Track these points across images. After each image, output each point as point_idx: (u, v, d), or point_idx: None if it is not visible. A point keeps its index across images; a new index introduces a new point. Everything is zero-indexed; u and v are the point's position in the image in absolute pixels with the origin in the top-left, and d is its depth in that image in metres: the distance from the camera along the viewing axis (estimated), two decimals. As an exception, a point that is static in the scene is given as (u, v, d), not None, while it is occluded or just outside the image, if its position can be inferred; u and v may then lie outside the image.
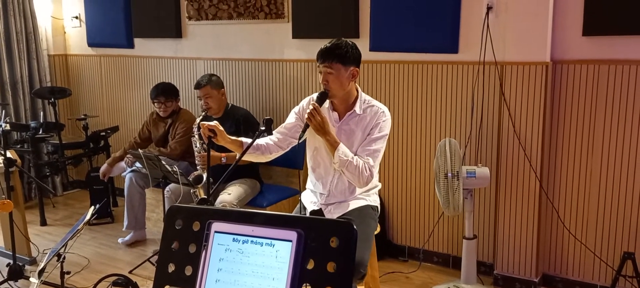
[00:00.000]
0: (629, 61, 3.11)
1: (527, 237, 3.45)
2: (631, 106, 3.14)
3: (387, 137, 2.74)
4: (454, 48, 3.58)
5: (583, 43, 3.22)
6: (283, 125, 2.86)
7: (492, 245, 3.67)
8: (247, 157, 2.73)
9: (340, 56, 2.63)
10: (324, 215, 2.79)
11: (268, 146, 2.79)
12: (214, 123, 2.67)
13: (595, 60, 3.20)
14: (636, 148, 3.17)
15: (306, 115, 2.64)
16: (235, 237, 1.44)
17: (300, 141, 2.70)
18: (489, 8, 3.38)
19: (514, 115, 3.36)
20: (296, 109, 2.88)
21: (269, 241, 1.41)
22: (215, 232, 1.47)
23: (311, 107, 2.64)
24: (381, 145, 2.70)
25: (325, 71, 2.65)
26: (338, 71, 2.64)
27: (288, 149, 2.86)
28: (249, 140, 2.72)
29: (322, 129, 2.63)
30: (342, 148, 2.63)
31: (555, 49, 3.28)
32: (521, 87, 3.32)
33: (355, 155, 2.67)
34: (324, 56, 2.64)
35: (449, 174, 3.20)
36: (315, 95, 2.75)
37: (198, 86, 3.93)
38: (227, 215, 1.49)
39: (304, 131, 2.67)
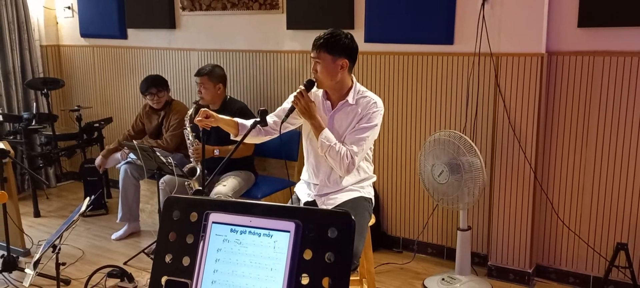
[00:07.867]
0: (624, 53, 3.12)
1: (521, 228, 3.47)
2: (625, 98, 3.16)
3: (378, 127, 2.71)
4: (449, 39, 3.58)
5: (578, 34, 3.23)
6: (281, 108, 2.87)
7: (486, 236, 3.69)
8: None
9: (328, 46, 2.63)
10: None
11: (263, 128, 2.80)
12: (203, 110, 2.69)
13: (590, 51, 3.21)
14: (630, 140, 3.18)
15: (292, 98, 2.66)
16: (233, 227, 1.44)
17: (283, 122, 2.68)
18: (484, -1, 3.38)
19: (509, 107, 3.37)
20: (293, 96, 2.88)
21: (267, 232, 1.41)
22: (213, 222, 1.46)
23: (298, 90, 2.66)
24: (368, 134, 2.68)
25: (314, 60, 2.67)
26: (325, 61, 2.64)
27: (282, 133, 2.84)
28: (244, 121, 2.78)
29: (307, 112, 2.64)
30: (326, 133, 2.63)
31: (550, 40, 3.29)
32: (516, 78, 3.32)
33: (342, 142, 2.67)
34: (314, 45, 2.68)
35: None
36: None
37: (198, 73, 3.95)
38: (225, 206, 1.48)
39: (288, 114, 2.68)
